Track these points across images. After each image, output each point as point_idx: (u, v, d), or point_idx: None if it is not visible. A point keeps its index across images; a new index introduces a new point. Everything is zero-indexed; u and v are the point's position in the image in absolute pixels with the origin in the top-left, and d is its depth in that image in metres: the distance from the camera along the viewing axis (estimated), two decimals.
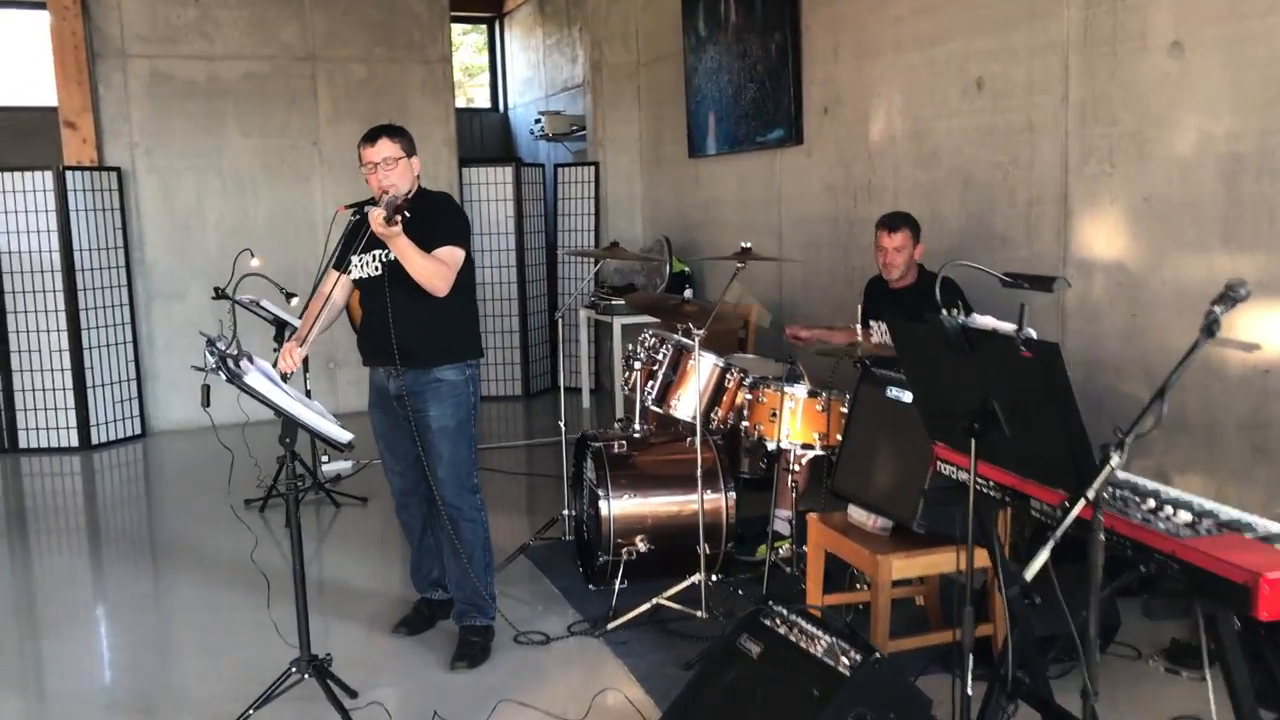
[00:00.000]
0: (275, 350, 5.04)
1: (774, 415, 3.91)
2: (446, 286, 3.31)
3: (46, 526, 5.67)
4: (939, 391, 2.36)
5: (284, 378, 3.06)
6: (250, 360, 2.69)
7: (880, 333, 4.41)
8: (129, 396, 7.29)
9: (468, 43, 12.31)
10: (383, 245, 3.31)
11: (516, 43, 11.23)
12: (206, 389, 2.84)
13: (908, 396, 3.08)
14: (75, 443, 7.01)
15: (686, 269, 7.39)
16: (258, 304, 5.10)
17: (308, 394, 4.67)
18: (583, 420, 7.53)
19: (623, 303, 6.94)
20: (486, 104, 11.53)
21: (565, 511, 4.59)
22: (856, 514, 3.33)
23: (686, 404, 4.01)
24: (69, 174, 6.88)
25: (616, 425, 4.48)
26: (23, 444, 7.03)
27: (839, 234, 5.90)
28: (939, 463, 2.43)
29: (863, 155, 5.64)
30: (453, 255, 3.34)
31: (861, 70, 5.56)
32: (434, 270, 3.27)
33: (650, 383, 4.08)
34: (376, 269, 3.42)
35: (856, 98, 5.63)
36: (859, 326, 4.02)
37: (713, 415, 4.03)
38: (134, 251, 7.35)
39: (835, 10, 5.75)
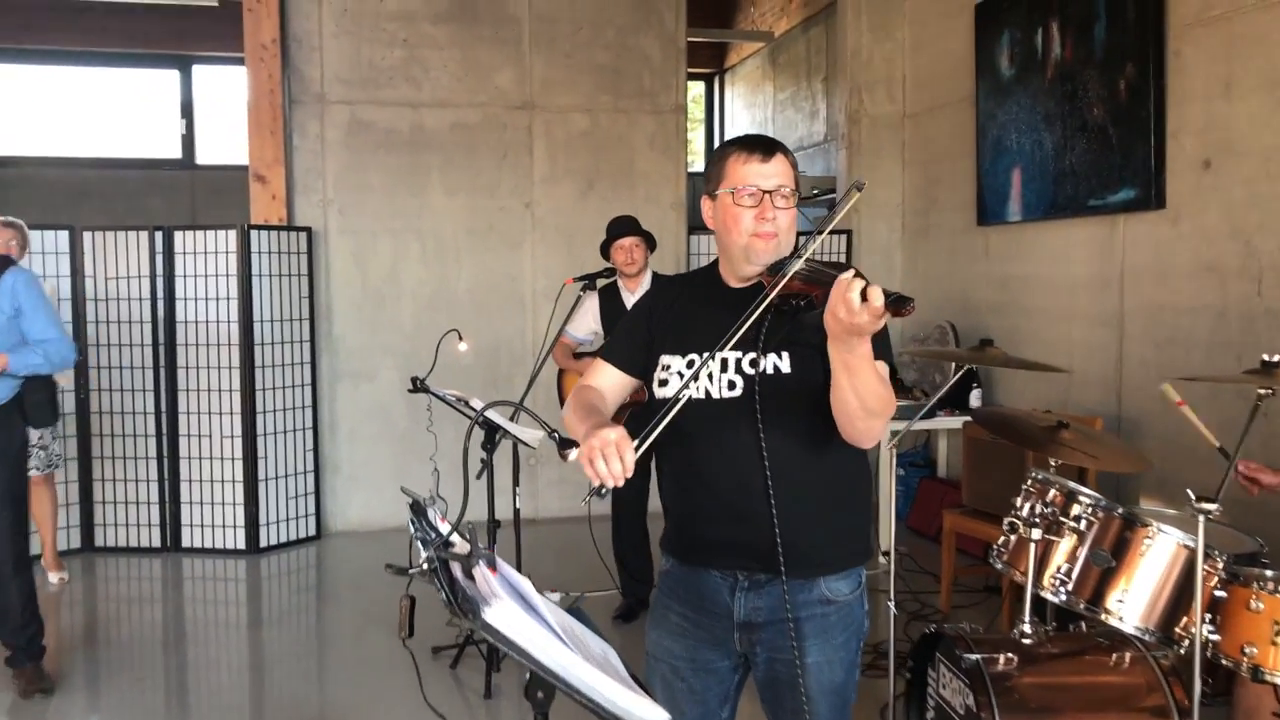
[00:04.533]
0: (483, 463, 3.85)
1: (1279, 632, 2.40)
2: (884, 430, 1.97)
3: (201, 650, 4.63)
4: None
5: (598, 493, 1.78)
6: (493, 565, 1.41)
7: None
8: (305, 491, 6.29)
9: None
10: (754, 344, 1.96)
11: (739, 100, 10.10)
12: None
13: None
14: (242, 544, 6.04)
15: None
16: (465, 402, 3.94)
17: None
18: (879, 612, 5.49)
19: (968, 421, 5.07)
20: (702, 167, 10.42)
21: None
22: None
23: (1134, 607, 2.53)
24: (254, 233, 6.01)
25: (968, 625, 2.97)
26: (186, 542, 6.10)
27: (1226, 330, 4.32)
28: None
29: (1276, 225, 4.08)
30: (886, 377, 1.97)
31: (1278, 108, 4.03)
32: (887, 399, 1.87)
33: (1065, 566, 2.62)
34: (733, 385, 2.01)
35: (1268, 146, 4.09)
36: None
37: (1176, 628, 2.53)
38: (320, 323, 6.42)
39: (1229, 30, 4.25)
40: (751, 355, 1.99)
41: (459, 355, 4.40)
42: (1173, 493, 4.55)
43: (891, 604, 3.25)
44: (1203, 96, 4.40)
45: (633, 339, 2.19)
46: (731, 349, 1.95)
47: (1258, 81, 4.13)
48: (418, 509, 1.61)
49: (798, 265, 1.81)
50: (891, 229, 6.96)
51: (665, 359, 2.09)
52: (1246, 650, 2.45)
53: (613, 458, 1.72)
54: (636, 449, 1.75)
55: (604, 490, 1.72)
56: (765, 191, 1.98)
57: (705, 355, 1.91)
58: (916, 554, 5.77)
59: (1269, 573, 2.63)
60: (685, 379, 1.91)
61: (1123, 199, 4.84)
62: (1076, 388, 5.23)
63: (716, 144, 10.46)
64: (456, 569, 1.41)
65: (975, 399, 5.74)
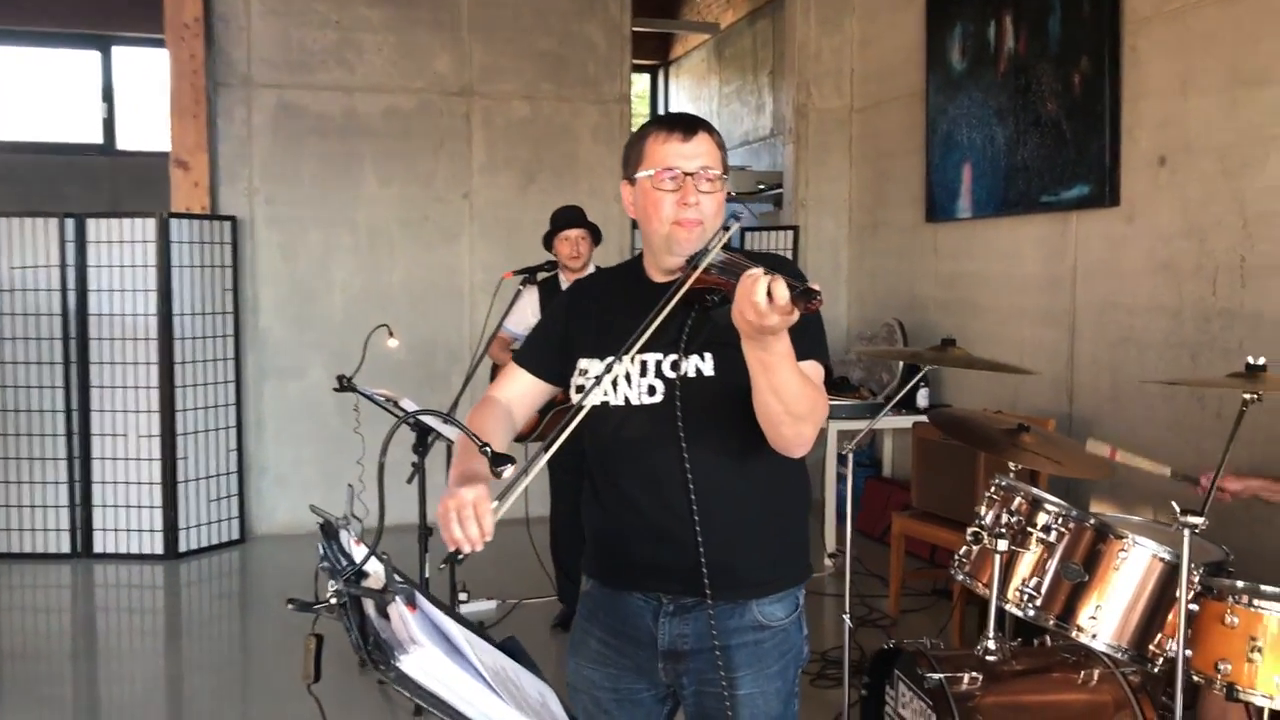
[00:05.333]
0: (414, 467, 3.62)
1: (1256, 649, 2.27)
2: (814, 437, 1.77)
3: (113, 663, 4.33)
4: None
5: (454, 559, 1.58)
6: (412, 602, 1.20)
7: None
8: (228, 493, 5.98)
9: None
10: (675, 345, 1.79)
11: (684, 93, 9.94)
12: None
13: None
14: (160, 549, 5.71)
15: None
16: (395, 403, 3.70)
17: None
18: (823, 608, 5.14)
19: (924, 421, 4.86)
20: None
21: None
22: None
23: (1107, 624, 2.38)
24: (175, 222, 5.69)
25: (928, 640, 2.79)
26: (99, 547, 5.76)
27: (1181, 330, 4.24)
28: None
29: (1232, 223, 4.00)
30: (821, 379, 1.80)
31: (1236, 105, 3.95)
32: (814, 401, 1.68)
33: (1033, 579, 2.46)
34: (653, 391, 1.83)
35: (1223, 143, 4.01)
36: None
37: (1150, 645, 2.39)
38: (245, 317, 6.11)
39: (1186, 26, 4.16)
40: (673, 357, 1.79)
41: (391, 352, 4.15)
42: (1124, 498, 4.47)
43: (846, 616, 3.09)
44: (1158, 93, 4.31)
45: (548, 341, 1.99)
46: (650, 350, 1.77)
47: (1214, 79, 4.04)
48: (328, 531, 1.39)
49: (711, 256, 1.61)
50: (839, 225, 6.83)
51: (583, 363, 1.89)
52: (1220, 667, 2.33)
53: (469, 521, 1.55)
54: (496, 508, 1.56)
55: (460, 556, 1.54)
56: (687, 174, 1.78)
57: (611, 359, 1.71)
58: (863, 556, 5.63)
59: (1240, 584, 2.51)
60: (589, 387, 1.71)
61: (1076, 196, 4.74)
62: (1027, 388, 5.14)
63: None
64: (369, 606, 1.20)
65: (923, 398, 5.62)
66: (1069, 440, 3.35)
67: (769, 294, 1.43)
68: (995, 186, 5.30)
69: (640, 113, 10.39)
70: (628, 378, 1.83)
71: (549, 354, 1.97)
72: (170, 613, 5.19)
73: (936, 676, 2.43)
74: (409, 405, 3.70)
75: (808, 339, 1.64)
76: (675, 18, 9.77)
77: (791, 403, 1.61)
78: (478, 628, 1.42)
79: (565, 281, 4.55)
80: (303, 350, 6.19)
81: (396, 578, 1.22)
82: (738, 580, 1.82)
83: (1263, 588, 2.46)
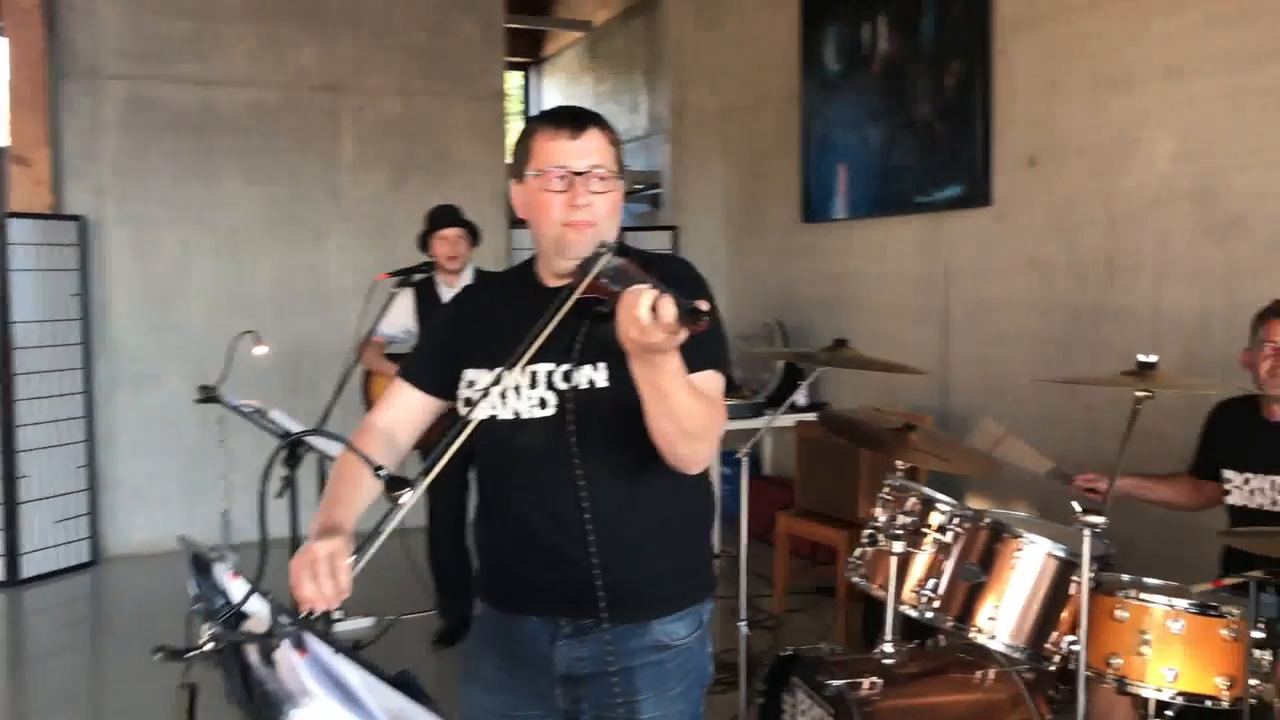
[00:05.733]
0: (285, 482, 3.42)
1: (1145, 642, 2.30)
2: (712, 452, 1.69)
3: None
4: None
5: (310, 622, 1.44)
6: (301, 646, 1.07)
7: (1244, 490, 2.83)
8: (77, 513, 5.59)
9: None
10: (567, 355, 1.70)
11: (557, 91, 9.82)
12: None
13: None
14: (0, 575, 5.30)
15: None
16: (263, 415, 3.48)
17: None
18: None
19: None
20: None
21: None
22: None
23: (1005, 624, 2.38)
24: (14, 222, 5.28)
25: (826, 645, 2.74)
26: None
27: (1052, 327, 4.36)
28: None
29: (1099, 220, 4.12)
30: (720, 391, 1.72)
31: (1102, 107, 4.07)
32: (710, 418, 1.61)
33: (930, 580, 2.44)
34: (544, 403, 1.74)
35: (1091, 145, 4.13)
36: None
37: (1046, 644, 2.39)
38: (95, 324, 5.72)
39: (1054, 30, 4.27)
40: (565, 367, 1.70)
41: (257, 359, 3.92)
42: (998, 493, 4.56)
43: (743, 624, 3.04)
44: (1028, 95, 4.42)
45: (434, 353, 1.87)
46: (541, 360, 1.67)
47: (1081, 81, 4.16)
48: (200, 565, 1.24)
49: (601, 264, 1.51)
50: (717, 225, 6.83)
51: (470, 374, 1.78)
52: (1112, 662, 2.36)
53: (324, 578, 1.45)
54: (354, 562, 1.45)
55: (315, 616, 1.42)
56: (576, 174, 1.68)
57: (499, 370, 1.60)
58: (747, 556, 5.63)
59: (1125, 577, 2.56)
60: (477, 400, 1.60)
61: (949, 196, 4.83)
62: (903, 385, 5.21)
63: None
64: (252, 653, 1.06)
65: (802, 397, 5.65)
66: (953, 437, 3.38)
67: (654, 310, 1.35)
68: (870, 187, 5.36)
69: (513, 111, 10.22)
70: (517, 390, 1.72)
71: (436, 366, 1.84)
72: (12, 645, 4.80)
73: (837, 684, 2.39)
74: (279, 416, 3.49)
75: (707, 347, 1.56)
76: (547, 15, 9.64)
77: (686, 421, 1.54)
78: (359, 655, 1.28)
79: (442, 283, 4.39)
80: (160, 358, 5.83)
81: (283, 619, 1.09)
82: (637, 600, 1.74)
83: (1147, 580, 2.51)
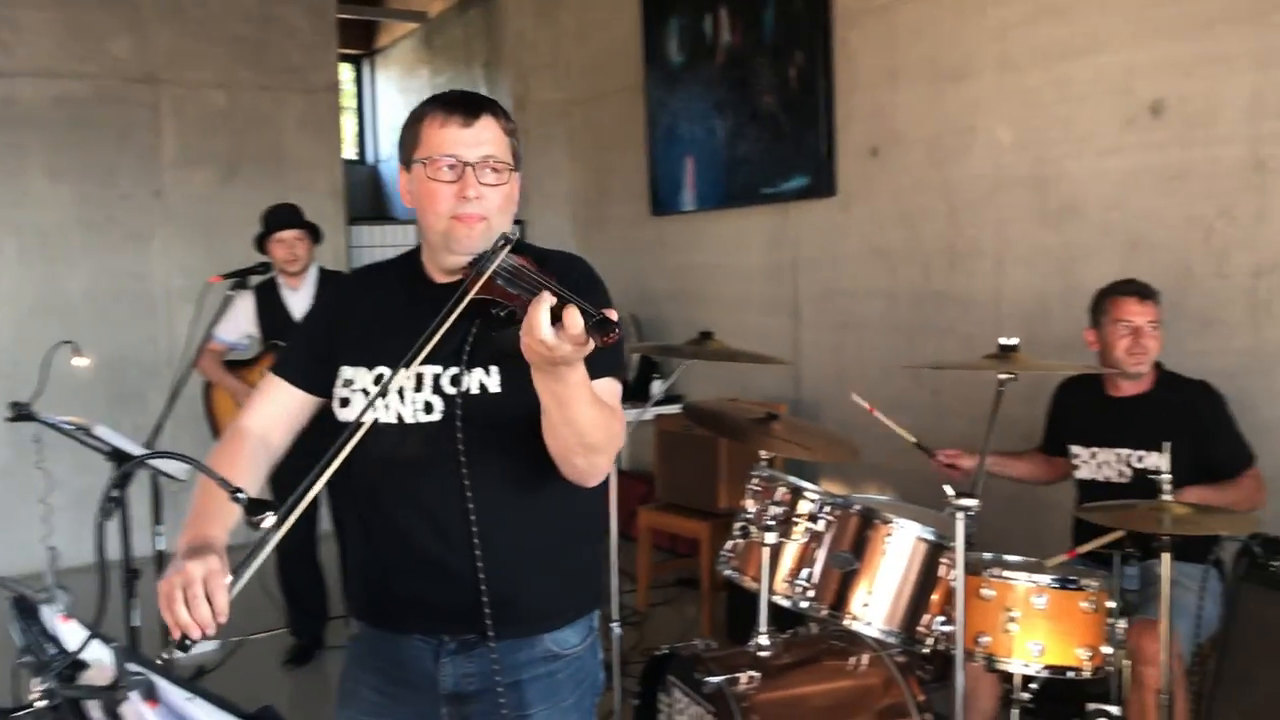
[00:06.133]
0: (114, 502, 3.15)
1: (1012, 619, 2.35)
2: (610, 465, 1.59)
3: None
4: None
5: (181, 646, 1.31)
6: (152, 695, 0.94)
7: (1092, 464, 2.94)
8: None
9: None
10: (456, 357, 1.59)
11: (392, 84, 9.54)
12: None
13: None
14: None
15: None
16: (87, 431, 3.20)
17: None
18: None
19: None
20: (352, 155, 9.71)
21: None
22: None
23: (879, 609, 2.38)
24: None
25: (700, 641, 2.69)
26: None
27: (897, 314, 4.46)
28: None
29: (939, 209, 4.24)
30: (618, 399, 1.63)
31: (940, 97, 4.18)
32: (612, 430, 1.52)
33: (804, 569, 2.43)
34: (430, 408, 1.61)
35: (930, 134, 4.24)
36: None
37: (919, 626, 2.41)
38: None
39: (892, 20, 4.36)
40: (454, 371, 1.60)
41: (77, 372, 3.61)
42: (853, 477, 4.64)
43: (615, 624, 2.98)
44: (869, 85, 4.50)
45: (312, 347, 1.73)
46: (429, 362, 1.56)
47: (920, 71, 4.26)
48: (25, 609, 1.09)
49: (498, 262, 1.42)
50: (564, 219, 6.74)
51: (348, 372, 1.66)
52: (980, 640, 2.40)
53: (198, 602, 1.32)
54: (231, 583, 1.34)
55: (187, 643, 1.32)
56: (467, 164, 1.58)
57: (381, 370, 1.53)
58: (607, 550, 5.58)
59: (987, 555, 2.62)
60: (368, 401, 1.49)
61: (795, 187, 4.89)
62: (756, 375, 5.25)
63: (367, 131, 9.82)
64: (93, 709, 0.92)
65: (658, 389, 5.64)
66: (814, 426, 3.41)
67: (558, 320, 1.26)
68: (718, 179, 5.38)
69: (346, 106, 9.87)
70: (401, 393, 1.61)
71: (313, 363, 1.71)
72: None
73: (715, 680, 2.35)
74: (105, 433, 3.21)
75: (606, 353, 1.48)
76: (380, 5, 9.34)
77: (587, 434, 1.46)
78: (214, 694, 1.15)
79: (285, 286, 4.17)
80: None
81: (131, 666, 0.95)
82: (524, 614, 1.65)
83: (1007, 558, 2.57)
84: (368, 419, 1.46)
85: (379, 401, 1.56)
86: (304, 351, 1.75)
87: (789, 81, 4.83)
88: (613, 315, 1.27)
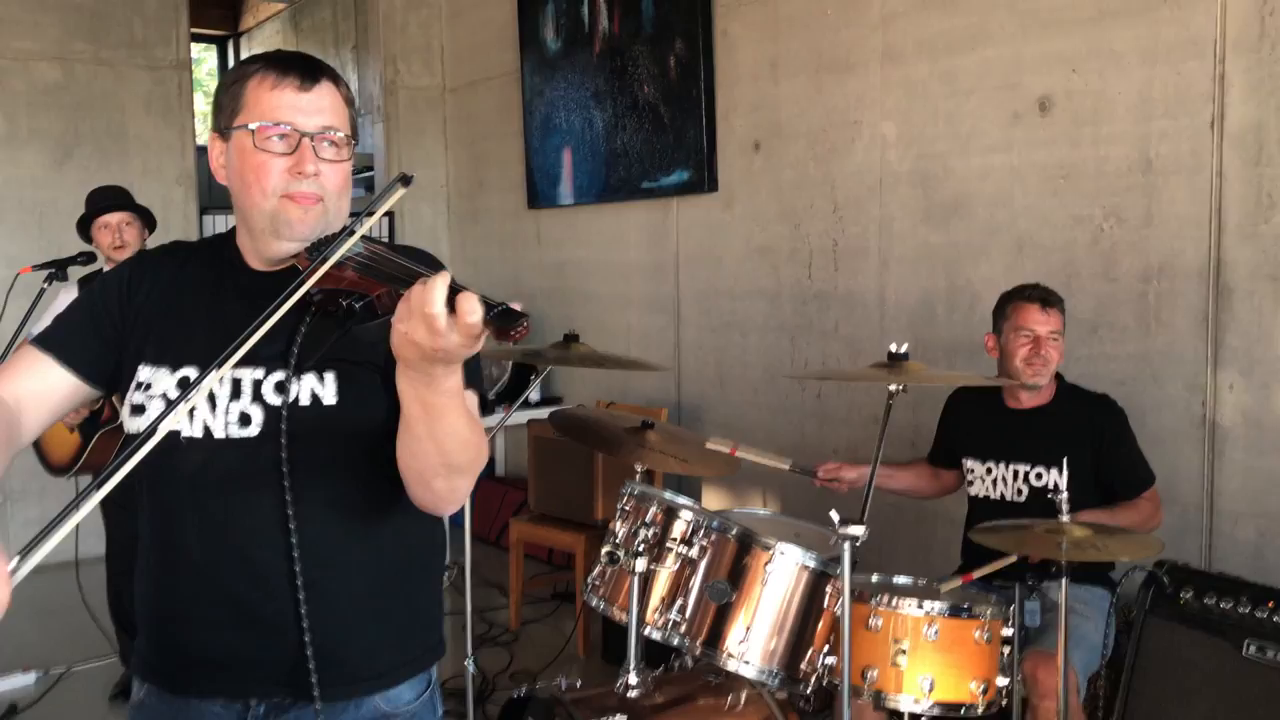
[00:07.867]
0: None
1: (901, 652, 2.16)
2: (469, 491, 1.34)
3: None
4: None
5: None
6: None
7: (987, 480, 2.79)
8: None
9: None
10: (283, 360, 1.31)
11: None
12: None
13: None
14: None
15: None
16: None
17: None
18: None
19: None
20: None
21: None
22: None
23: (757, 646, 2.16)
24: None
25: (562, 680, 2.44)
26: None
27: (780, 313, 4.29)
28: None
29: (823, 207, 4.07)
30: (477, 413, 1.36)
31: (822, 90, 4.02)
32: (479, 451, 1.27)
33: (677, 600, 2.19)
34: (247, 420, 1.33)
35: (813, 128, 4.07)
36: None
37: (802, 664, 2.19)
38: None
39: (773, 9, 4.18)
40: (278, 376, 1.32)
41: None
42: (737, 486, 4.46)
43: (469, 661, 2.70)
44: (751, 77, 4.32)
45: (93, 325, 1.42)
46: (247, 365, 1.29)
47: (801, 63, 4.09)
48: None
49: (350, 244, 1.18)
50: (437, 211, 6.41)
51: (144, 373, 1.37)
52: (867, 675, 2.20)
53: None
54: (15, 568, 1.05)
55: None
56: (304, 134, 1.31)
57: (187, 372, 1.28)
58: (479, 563, 5.28)
59: (875, 578, 2.43)
60: (165, 409, 1.20)
61: (676, 181, 4.68)
62: (636, 377, 5.04)
63: None
64: None
65: (535, 392, 5.37)
66: (691, 435, 3.19)
67: (452, 306, 1.03)
68: (597, 172, 5.13)
69: (206, 89, 9.31)
70: (211, 400, 1.32)
71: (91, 342, 1.41)
72: None
73: None
74: None
75: (467, 363, 1.21)
76: None
77: (453, 452, 1.22)
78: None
79: None
80: None
81: None
82: (353, 671, 1.38)
83: (896, 581, 2.39)
84: (163, 428, 1.15)
85: (181, 405, 1.26)
86: (81, 327, 1.43)
87: (669, 72, 4.61)
88: (517, 306, 1.06)
